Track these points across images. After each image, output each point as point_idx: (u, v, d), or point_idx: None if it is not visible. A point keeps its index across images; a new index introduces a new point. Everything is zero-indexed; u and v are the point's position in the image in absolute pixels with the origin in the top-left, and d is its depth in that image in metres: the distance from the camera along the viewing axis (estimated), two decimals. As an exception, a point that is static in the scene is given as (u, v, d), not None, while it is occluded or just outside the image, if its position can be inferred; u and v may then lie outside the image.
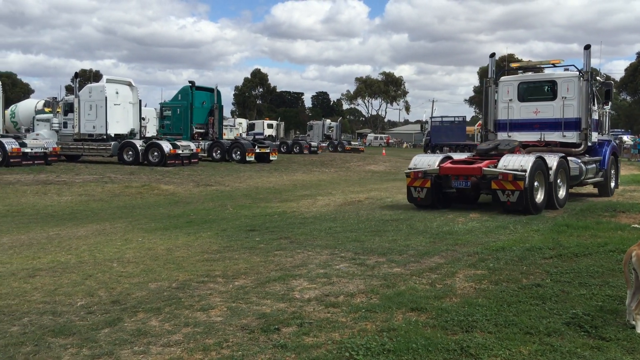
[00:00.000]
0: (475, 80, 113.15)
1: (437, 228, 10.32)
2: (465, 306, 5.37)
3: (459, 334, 4.66)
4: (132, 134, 28.49)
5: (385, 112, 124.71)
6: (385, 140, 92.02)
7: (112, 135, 27.59)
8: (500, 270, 6.89)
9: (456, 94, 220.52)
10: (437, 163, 13.02)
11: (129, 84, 28.91)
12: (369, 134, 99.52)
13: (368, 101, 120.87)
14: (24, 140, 24.95)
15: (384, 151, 57.08)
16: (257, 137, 45.76)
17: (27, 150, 24.19)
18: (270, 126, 59.85)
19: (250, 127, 58.59)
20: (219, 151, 32.32)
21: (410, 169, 13.37)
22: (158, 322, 4.99)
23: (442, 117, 49.61)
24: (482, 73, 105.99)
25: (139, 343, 4.50)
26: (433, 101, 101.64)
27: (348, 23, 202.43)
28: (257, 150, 32.80)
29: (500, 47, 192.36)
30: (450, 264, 7.27)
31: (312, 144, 50.44)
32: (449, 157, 13.69)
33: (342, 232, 9.83)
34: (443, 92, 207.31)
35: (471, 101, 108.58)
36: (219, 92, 34.34)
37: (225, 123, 42.15)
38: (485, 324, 4.87)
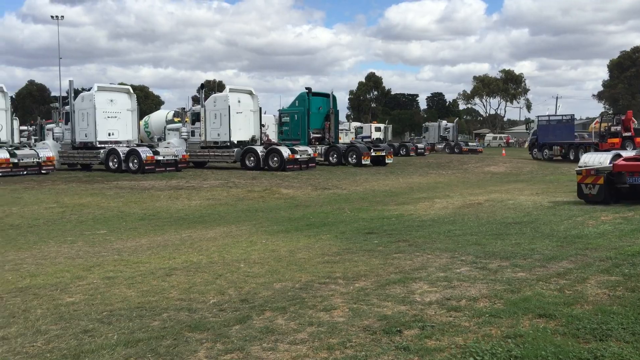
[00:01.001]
0: (604, 74, 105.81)
1: (564, 231, 9.81)
2: (598, 314, 5.08)
3: (592, 342, 4.42)
4: (253, 140, 29.75)
5: (505, 111, 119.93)
6: (504, 140, 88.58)
7: (235, 142, 28.98)
8: (637, 277, 6.43)
9: (583, 89, 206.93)
10: (608, 161, 13.54)
11: (250, 93, 30.23)
12: (487, 134, 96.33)
13: (486, 100, 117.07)
14: (157, 149, 26.92)
15: (503, 151, 54.99)
16: (364, 140, 45.91)
17: (160, 158, 26.09)
18: (378, 129, 59.69)
19: (358, 131, 58.83)
20: (335, 155, 32.83)
21: (580, 167, 13.90)
22: (284, 321, 5.21)
23: (549, 116, 47.05)
24: (613, 66, 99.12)
25: (267, 340, 4.72)
26: (557, 98, 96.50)
27: (464, 21, 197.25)
28: (373, 154, 32.93)
29: (632, 37, 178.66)
30: (581, 270, 6.89)
31: (419, 145, 49.90)
32: (619, 155, 14.11)
33: (462, 235, 9.64)
34: (568, 87, 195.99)
35: (600, 96, 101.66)
36: (334, 97, 34.91)
37: (340, 127, 42.75)
38: (621, 332, 4.59)
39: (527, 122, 58.54)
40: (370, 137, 54.63)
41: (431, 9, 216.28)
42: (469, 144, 63.61)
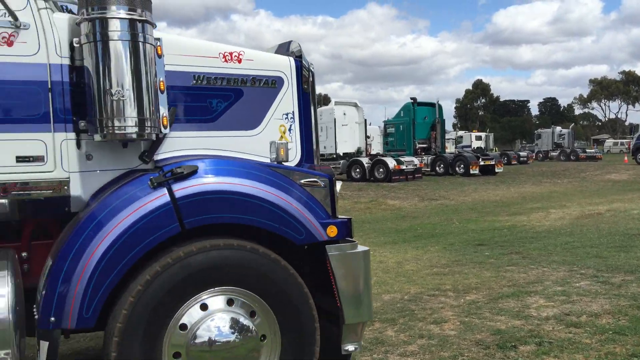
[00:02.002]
0: None
1: (698, 244, 9.01)
2: None
3: None
4: (358, 152, 29.97)
5: (626, 115, 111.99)
6: (626, 146, 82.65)
7: (341, 154, 29.35)
8: None
9: None
10: None
11: (355, 105, 30.51)
12: (606, 140, 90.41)
13: (605, 104, 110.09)
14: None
15: (625, 158, 51.32)
16: (464, 149, 44.62)
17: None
18: (478, 138, 57.64)
19: (459, 140, 57.21)
20: (442, 165, 32.27)
21: None
22: (394, 332, 5.21)
23: None
24: None
25: (378, 351, 4.75)
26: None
27: (579, 21, 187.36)
28: (482, 163, 32.01)
29: None
30: None
31: (521, 154, 47.84)
32: None
33: (581, 248, 9.12)
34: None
35: None
36: (440, 107, 34.38)
37: (447, 137, 41.96)
38: None
39: (632, 127, 54.70)
40: (470, 146, 53.15)
41: (542, 10, 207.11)
42: (587, 150, 59.96)
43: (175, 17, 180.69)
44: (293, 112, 4.04)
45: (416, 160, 29.36)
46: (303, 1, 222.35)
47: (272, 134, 3.94)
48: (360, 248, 3.65)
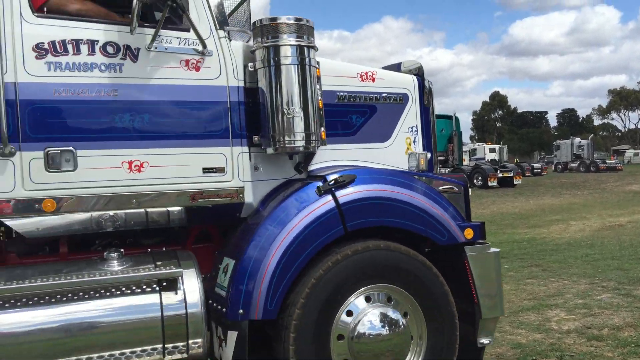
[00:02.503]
0: None
1: None
2: None
3: None
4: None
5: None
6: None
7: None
8: None
9: None
10: None
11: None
12: (627, 151, 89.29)
13: (624, 114, 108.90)
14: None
15: (647, 168, 50.65)
16: (478, 161, 44.34)
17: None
18: (492, 150, 57.13)
19: (472, 152, 56.78)
20: (459, 177, 32.13)
21: None
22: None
23: None
24: None
25: None
26: None
27: (596, 31, 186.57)
28: (500, 175, 31.83)
29: None
30: None
31: (535, 165, 47.57)
32: None
33: (602, 260, 9.02)
34: None
35: None
36: (457, 119, 34.25)
37: (465, 149, 41.79)
38: None
39: None
40: (484, 158, 52.85)
41: (559, 21, 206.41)
42: (607, 161, 59.27)
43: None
44: (416, 125, 4.49)
45: (434, 173, 29.27)
46: (319, 16, 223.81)
47: (401, 146, 4.39)
48: (493, 249, 4.05)
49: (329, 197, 3.66)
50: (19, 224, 3.30)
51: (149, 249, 3.87)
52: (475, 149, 58.28)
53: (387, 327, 3.62)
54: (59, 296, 3.26)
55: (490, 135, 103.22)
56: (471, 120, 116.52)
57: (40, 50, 3.25)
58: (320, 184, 3.70)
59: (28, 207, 3.24)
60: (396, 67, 4.73)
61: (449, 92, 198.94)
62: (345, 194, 3.69)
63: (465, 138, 71.73)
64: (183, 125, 3.57)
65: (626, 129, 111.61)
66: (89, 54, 3.35)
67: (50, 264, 3.63)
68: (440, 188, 4.09)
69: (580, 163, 54.35)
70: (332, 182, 3.69)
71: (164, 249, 3.89)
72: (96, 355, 3.23)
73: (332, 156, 4.06)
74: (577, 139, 61.26)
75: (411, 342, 3.71)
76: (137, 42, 3.45)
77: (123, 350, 3.28)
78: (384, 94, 4.33)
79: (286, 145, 3.64)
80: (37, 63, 3.24)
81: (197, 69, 3.58)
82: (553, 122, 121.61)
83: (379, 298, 3.69)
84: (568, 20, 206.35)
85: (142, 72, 3.49)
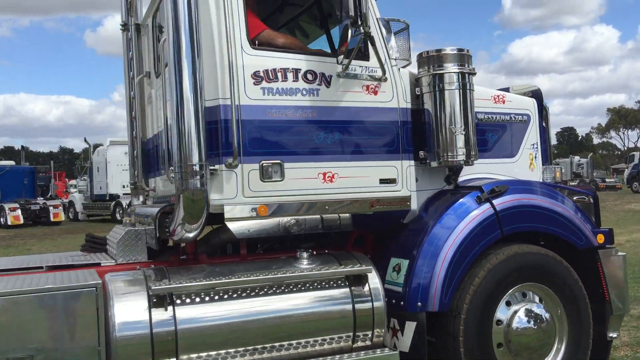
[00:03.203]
0: None
1: None
2: None
3: None
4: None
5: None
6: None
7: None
8: None
9: None
10: None
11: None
12: (626, 169, 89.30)
13: (624, 133, 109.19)
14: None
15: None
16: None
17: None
18: None
19: (630, 159, 56.17)
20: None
21: None
22: None
23: None
24: None
25: None
26: None
27: (595, 51, 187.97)
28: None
29: None
30: None
31: None
32: None
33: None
34: None
35: None
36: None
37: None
38: None
39: (627, 157, 55.27)
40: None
41: (558, 40, 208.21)
42: (606, 180, 59.24)
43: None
44: (537, 142, 5.11)
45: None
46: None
47: (525, 161, 4.99)
48: (620, 253, 4.58)
49: (488, 205, 4.15)
50: (237, 226, 3.80)
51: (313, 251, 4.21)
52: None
53: (537, 323, 4.07)
54: (266, 289, 3.75)
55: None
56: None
57: (257, 77, 3.79)
58: (479, 193, 4.20)
59: (247, 211, 3.78)
60: (505, 91, 5.19)
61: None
62: (502, 202, 4.19)
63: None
64: (365, 141, 4.12)
65: (625, 148, 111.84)
66: (293, 81, 3.89)
67: (252, 262, 4.10)
68: (575, 197, 4.69)
69: (579, 181, 54.35)
70: (490, 192, 4.19)
71: (326, 251, 4.27)
72: (304, 340, 3.74)
73: (471, 170, 4.54)
74: (577, 158, 61.39)
75: (555, 341, 4.19)
76: (329, 70, 4.00)
77: (317, 338, 3.77)
78: (512, 115, 4.90)
79: (449, 160, 4.21)
80: (255, 88, 3.79)
81: (375, 92, 4.09)
82: (553, 140, 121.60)
83: (532, 297, 4.17)
84: (567, 39, 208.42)
85: (334, 96, 4.01)
